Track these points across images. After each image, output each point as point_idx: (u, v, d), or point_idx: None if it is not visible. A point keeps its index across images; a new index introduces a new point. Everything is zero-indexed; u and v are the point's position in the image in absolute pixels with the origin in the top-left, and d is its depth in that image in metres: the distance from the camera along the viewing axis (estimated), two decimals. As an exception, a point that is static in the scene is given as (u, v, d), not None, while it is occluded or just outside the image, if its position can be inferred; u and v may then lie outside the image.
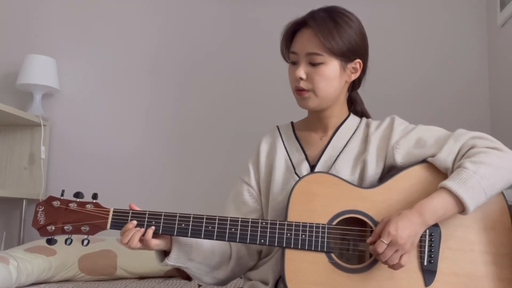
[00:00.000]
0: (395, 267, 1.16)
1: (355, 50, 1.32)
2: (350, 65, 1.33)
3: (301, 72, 1.30)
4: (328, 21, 1.29)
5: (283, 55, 1.40)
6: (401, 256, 1.15)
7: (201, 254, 1.30)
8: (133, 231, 1.20)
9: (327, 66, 1.30)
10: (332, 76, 1.31)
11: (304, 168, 1.36)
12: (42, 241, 2.12)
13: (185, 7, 2.76)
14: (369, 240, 1.18)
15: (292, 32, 1.35)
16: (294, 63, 1.33)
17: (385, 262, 1.15)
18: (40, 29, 2.82)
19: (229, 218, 1.23)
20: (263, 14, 2.69)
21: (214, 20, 2.74)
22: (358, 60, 1.34)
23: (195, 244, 1.29)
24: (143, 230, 1.21)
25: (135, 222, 1.21)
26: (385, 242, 1.14)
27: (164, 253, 1.29)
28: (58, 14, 2.83)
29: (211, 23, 2.74)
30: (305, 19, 1.32)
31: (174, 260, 1.27)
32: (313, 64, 1.30)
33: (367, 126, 1.40)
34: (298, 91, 1.32)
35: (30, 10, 2.85)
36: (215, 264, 1.34)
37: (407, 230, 1.14)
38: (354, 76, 1.36)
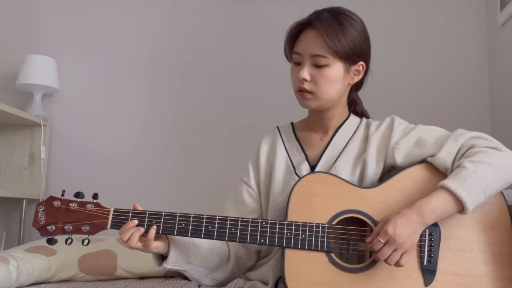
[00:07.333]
0: (395, 266, 1.16)
1: (359, 53, 1.31)
2: (354, 68, 1.33)
3: (305, 73, 1.30)
4: (333, 23, 1.28)
5: (286, 55, 1.39)
6: (401, 255, 1.15)
7: (199, 256, 1.30)
8: (133, 229, 1.20)
9: (331, 68, 1.29)
10: (335, 78, 1.30)
11: (304, 168, 1.36)
12: (42, 241, 2.12)
13: (185, 7, 2.76)
14: (368, 239, 1.18)
15: (296, 33, 1.34)
16: (298, 64, 1.33)
17: (385, 261, 1.15)
18: (40, 29, 2.82)
19: (229, 218, 1.23)
20: (263, 12, 2.69)
21: (214, 19, 2.74)
22: (361, 62, 1.34)
23: (193, 246, 1.29)
24: (143, 229, 1.21)
25: (136, 221, 1.21)
26: (382, 240, 1.14)
27: (162, 257, 1.29)
28: (58, 14, 2.83)
29: (210, 22, 2.73)
30: (310, 20, 1.31)
31: (172, 263, 1.26)
32: (318, 66, 1.29)
33: (367, 126, 1.40)
34: (301, 92, 1.32)
35: (30, 10, 2.85)
36: (213, 266, 1.34)
37: (405, 229, 1.14)
38: (357, 79, 1.36)
